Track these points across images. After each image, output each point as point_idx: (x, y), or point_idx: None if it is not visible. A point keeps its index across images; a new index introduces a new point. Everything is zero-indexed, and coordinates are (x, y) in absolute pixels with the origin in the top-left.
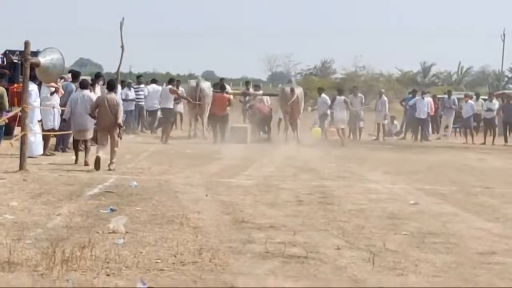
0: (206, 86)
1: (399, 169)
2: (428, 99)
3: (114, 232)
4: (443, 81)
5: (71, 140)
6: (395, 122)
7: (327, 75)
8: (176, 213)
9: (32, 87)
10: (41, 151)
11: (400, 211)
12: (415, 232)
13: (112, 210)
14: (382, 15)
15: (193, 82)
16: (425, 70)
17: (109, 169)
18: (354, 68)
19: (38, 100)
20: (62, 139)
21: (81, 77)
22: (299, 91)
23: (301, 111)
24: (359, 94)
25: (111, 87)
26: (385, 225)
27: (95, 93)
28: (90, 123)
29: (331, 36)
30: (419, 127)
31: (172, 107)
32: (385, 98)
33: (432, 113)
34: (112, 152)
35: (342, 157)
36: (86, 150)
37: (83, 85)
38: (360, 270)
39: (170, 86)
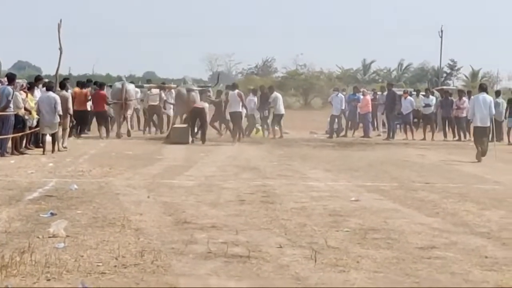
0: (131, 87)
1: (340, 166)
2: (341, 96)
3: (54, 236)
4: (383, 78)
5: (9, 144)
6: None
7: (268, 74)
8: (118, 216)
9: None
10: None
11: (342, 208)
12: (357, 229)
13: (52, 214)
14: (322, 14)
15: (118, 84)
16: (365, 67)
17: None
18: (295, 66)
19: None
20: (0, 143)
21: (17, 80)
22: (194, 92)
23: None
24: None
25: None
26: (326, 223)
27: (35, 96)
28: (56, 120)
29: (272, 35)
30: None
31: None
32: (342, 95)
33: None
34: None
35: (283, 155)
36: (57, 140)
37: (49, 88)
38: (302, 268)
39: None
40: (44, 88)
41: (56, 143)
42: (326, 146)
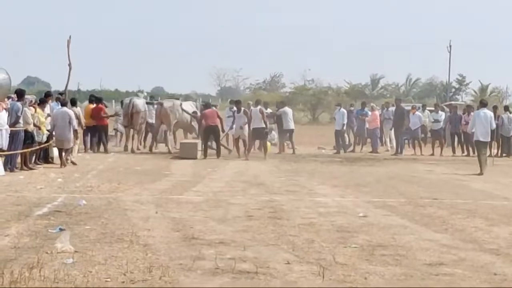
0: (140, 102)
1: (348, 182)
2: (343, 111)
3: (63, 251)
4: (391, 93)
5: (19, 160)
6: (344, 135)
7: (276, 89)
8: (126, 231)
9: None
10: (3, 172)
11: (349, 224)
12: (364, 245)
13: (61, 229)
14: (330, 29)
15: (127, 100)
16: (374, 82)
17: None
18: (303, 81)
19: None
20: (10, 159)
21: (26, 95)
22: (168, 105)
23: (171, 124)
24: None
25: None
26: (334, 239)
27: (44, 111)
28: (70, 135)
29: (280, 51)
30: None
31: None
32: (344, 111)
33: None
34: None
35: (291, 171)
36: (67, 153)
37: (63, 103)
38: (310, 284)
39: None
40: (53, 103)
41: (69, 156)
42: (334, 161)
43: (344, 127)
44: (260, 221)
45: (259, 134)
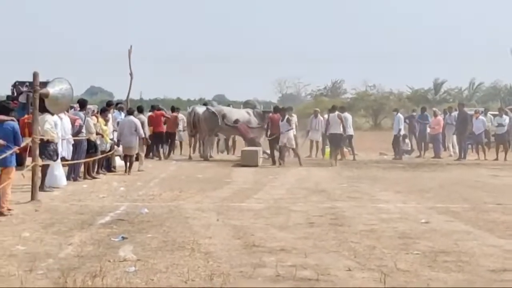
0: (201, 110)
1: (411, 187)
2: (400, 116)
3: (125, 260)
4: (454, 97)
5: (82, 169)
6: (406, 140)
7: (338, 95)
8: (187, 239)
9: (55, 118)
10: (66, 182)
11: (412, 231)
12: (427, 251)
13: (123, 238)
14: (391, 34)
15: (189, 109)
16: (437, 87)
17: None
18: (364, 87)
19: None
20: (73, 168)
21: (88, 105)
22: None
23: (206, 131)
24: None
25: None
26: (396, 245)
27: (107, 121)
28: (135, 142)
29: (341, 57)
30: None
31: None
32: (401, 116)
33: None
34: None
35: (353, 177)
36: (130, 163)
37: (129, 112)
38: None
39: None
40: (115, 113)
41: (137, 164)
42: (396, 167)
43: (401, 132)
44: (321, 228)
45: (336, 140)
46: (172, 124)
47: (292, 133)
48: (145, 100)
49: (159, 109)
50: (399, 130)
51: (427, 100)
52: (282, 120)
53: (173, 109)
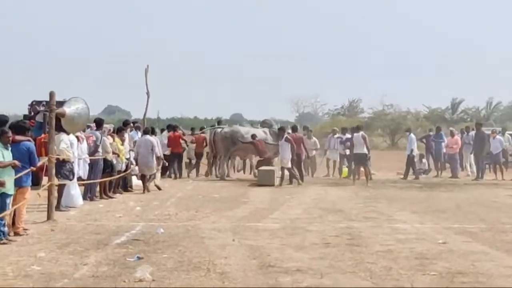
0: (219, 131)
1: (428, 208)
2: (412, 136)
3: (140, 280)
4: (472, 117)
5: (98, 188)
6: (423, 160)
7: (355, 115)
8: (203, 259)
9: (71, 138)
10: (82, 201)
11: (428, 251)
12: (444, 272)
13: (139, 258)
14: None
15: (211, 129)
16: (454, 106)
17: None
18: (381, 106)
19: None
20: (90, 188)
21: (105, 124)
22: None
23: (222, 151)
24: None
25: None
26: (413, 266)
27: (123, 140)
28: (152, 162)
29: (358, 76)
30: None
31: None
32: (413, 136)
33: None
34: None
35: (369, 197)
36: (150, 180)
37: (146, 131)
38: None
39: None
40: (132, 132)
41: (153, 181)
42: (413, 187)
43: (413, 152)
44: (338, 248)
45: (361, 160)
46: (200, 144)
47: (288, 153)
48: (163, 119)
49: (176, 130)
50: (411, 150)
51: (444, 120)
52: (280, 140)
53: (192, 129)
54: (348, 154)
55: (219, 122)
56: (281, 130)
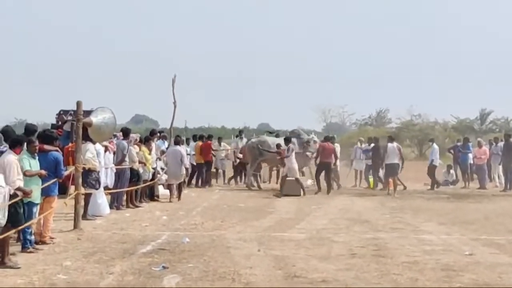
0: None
1: (455, 219)
2: (435, 146)
3: None
4: (501, 127)
5: (125, 197)
6: (451, 171)
7: (382, 125)
8: (228, 269)
9: (98, 147)
10: (108, 210)
11: (455, 263)
12: (470, 284)
13: (164, 267)
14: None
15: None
16: (483, 117)
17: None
18: (409, 117)
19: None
20: (116, 196)
21: (131, 134)
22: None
23: (250, 160)
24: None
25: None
26: (439, 277)
27: (150, 150)
28: (181, 172)
29: (386, 86)
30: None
31: None
32: (436, 147)
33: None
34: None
35: (396, 208)
36: (180, 190)
37: (176, 142)
38: None
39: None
40: (159, 142)
41: (179, 193)
42: (440, 198)
43: (435, 163)
44: (363, 259)
45: (394, 170)
46: (246, 154)
47: (295, 164)
48: (190, 128)
49: (206, 139)
50: (432, 160)
51: (473, 130)
52: (288, 151)
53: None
54: (369, 164)
55: (240, 132)
56: (392, 139)
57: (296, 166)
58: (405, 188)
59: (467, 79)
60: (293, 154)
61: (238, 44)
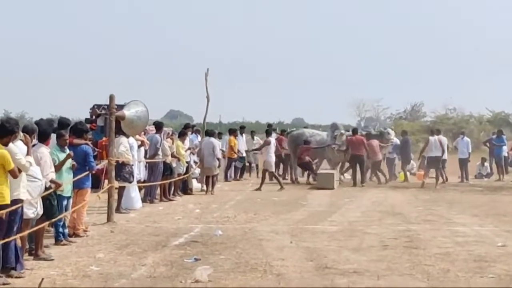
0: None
1: (488, 211)
2: (467, 139)
3: (197, 281)
4: None
5: (158, 191)
6: (485, 164)
7: (417, 119)
8: (260, 261)
9: (131, 141)
10: (141, 204)
11: (487, 254)
12: (502, 275)
13: (196, 259)
14: (472, 55)
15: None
16: None
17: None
18: (444, 110)
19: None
20: (149, 190)
21: (164, 128)
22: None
23: (291, 153)
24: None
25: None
26: (471, 268)
27: (184, 143)
28: (215, 162)
29: (421, 79)
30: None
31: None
32: (467, 139)
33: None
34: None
35: (429, 200)
36: (213, 184)
37: (209, 134)
38: None
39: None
40: (192, 135)
41: (212, 186)
42: (474, 190)
43: (463, 155)
44: (395, 251)
45: (436, 163)
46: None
47: (271, 157)
48: (224, 123)
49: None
50: (467, 153)
51: (508, 123)
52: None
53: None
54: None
55: (269, 126)
56: (438, 131)
57: (272, 159)
58: (445, 181)
59: (502, 72)
60: (272, 147)
61: (270, 40)
